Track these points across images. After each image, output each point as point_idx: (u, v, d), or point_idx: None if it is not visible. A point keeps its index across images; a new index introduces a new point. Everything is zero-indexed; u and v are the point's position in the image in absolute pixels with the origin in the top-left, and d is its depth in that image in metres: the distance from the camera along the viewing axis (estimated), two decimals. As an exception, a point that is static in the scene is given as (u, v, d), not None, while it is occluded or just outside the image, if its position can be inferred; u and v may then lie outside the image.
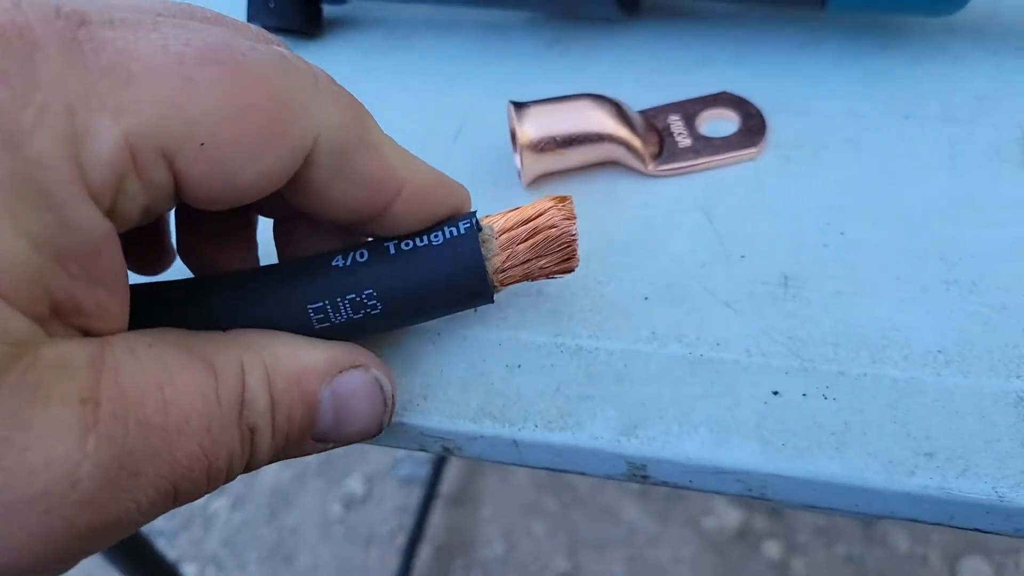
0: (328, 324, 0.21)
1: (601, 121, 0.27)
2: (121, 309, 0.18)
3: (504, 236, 0.22)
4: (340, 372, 0.21)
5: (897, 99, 0.29)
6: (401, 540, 1.03)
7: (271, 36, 0.21)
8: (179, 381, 0.18)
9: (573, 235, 0.22)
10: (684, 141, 0.28)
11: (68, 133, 0.16)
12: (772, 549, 0.98)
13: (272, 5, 0.35)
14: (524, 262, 0.22)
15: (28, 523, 0.16)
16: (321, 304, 0.21)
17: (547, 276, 0.23)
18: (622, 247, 0.26)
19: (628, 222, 0.27)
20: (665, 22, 0.33)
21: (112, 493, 0.17)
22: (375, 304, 0.21)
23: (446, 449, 0.24)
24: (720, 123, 0.29)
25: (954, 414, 0.22)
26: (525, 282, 0.23)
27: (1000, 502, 0.21)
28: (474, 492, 1.05)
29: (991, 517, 0.21)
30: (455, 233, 0.22)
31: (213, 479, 0.19)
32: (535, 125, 0.27)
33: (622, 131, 0.27)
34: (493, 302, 0.23)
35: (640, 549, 0.99)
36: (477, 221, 0.22)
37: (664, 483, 0.23)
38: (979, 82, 0.29)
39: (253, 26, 0.21)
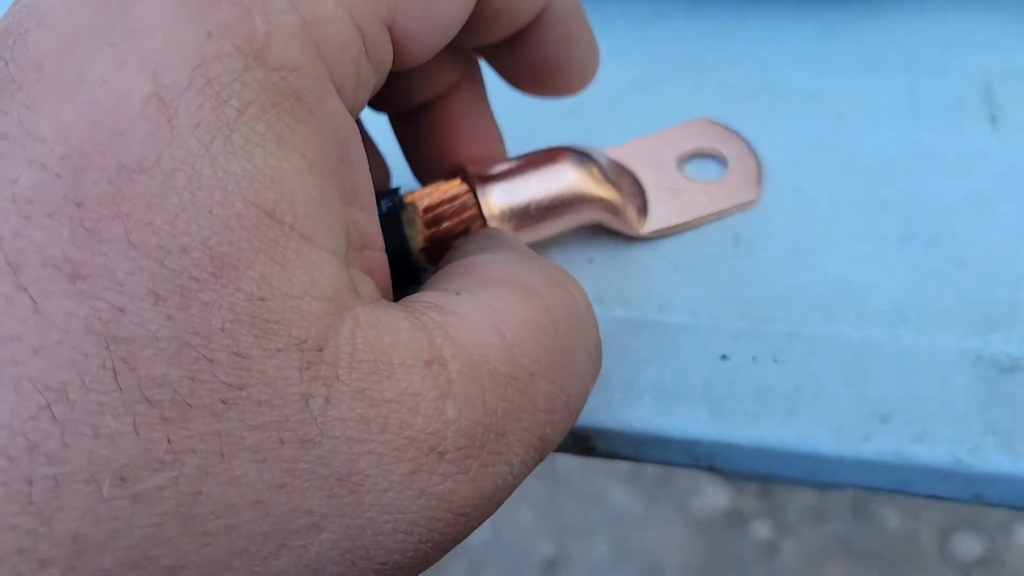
0: None
1: (579, 182, 0.22)
2: (381, 240, 0.17)
3: (430, 215, 0.21)
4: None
5: (857, 51, 0.27)
6: (387, 528, 1.02)
7: None
8: (511, 317, 0.16)
9: None
10: (669, 194, 0.24)
11: (300, 27, 0.14)
12: (761, 530, 0.97)
13: None
14: (451, 239, 0.21)
15: (405, 509, 0.14)
16: None
17: None
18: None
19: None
20: (619, -22, 0.32)
21: (483, 460, 0.15)
22: None
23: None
24: (706, 163, 0.26)
25: (911, 375, 0.21)
26: None
27: (958, 467, 0.19)
28: (460, 478, 1.03)
29: (949, 483, 0.20)
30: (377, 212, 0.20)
31: (573, 413, 0.17)
32: (501, 193, 0.21)
33: (605, 191, 0.23)
34: (420, 282, 0.21)
35: (626, 532, 0.98)
36: (401, 199, 0.21)
37: (609, 454, 0.22)
38: (942, 32, 0.27)
39: None
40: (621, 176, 0.23)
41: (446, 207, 0.21)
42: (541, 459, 0.17)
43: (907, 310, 0.21)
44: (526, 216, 0.22)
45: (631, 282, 0.23)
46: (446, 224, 0.21)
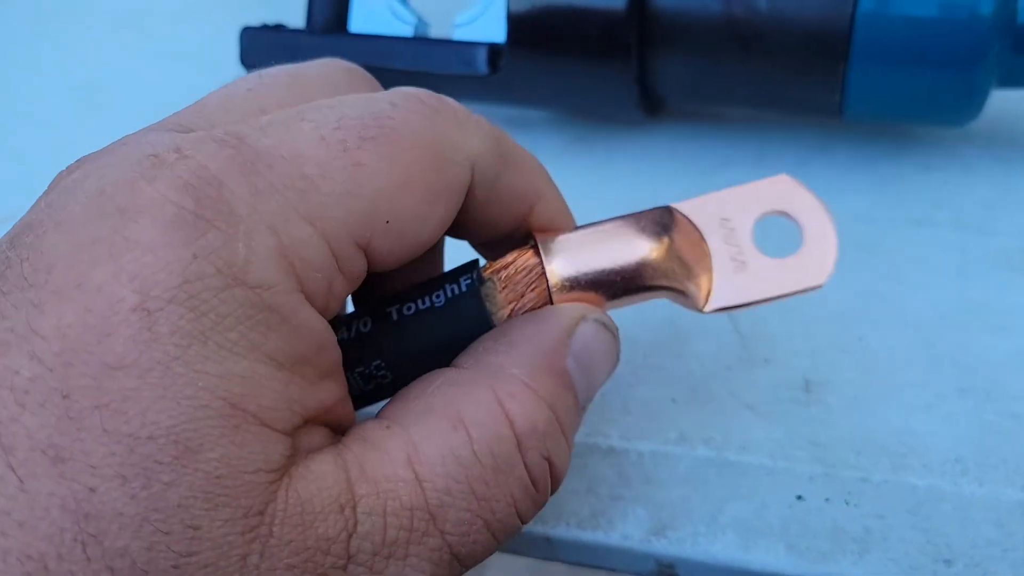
0: None
1: (648, 256, 0.21)
2: (346, 394, 0.19)
3: (509, 288, 0.21)
4: (570, 336, 0.20)
5: (909, 205, 0.30)
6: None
7: (376, 82, 0.22)
8: (428, 451, 0.18)
9: None
10: (736, 269, 0.22)
11: (278, 250, 0.17)
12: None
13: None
14: (531, 310, 0.21)
15: None
16: None
17: None
18: (648, 348, 0.27)
19: (653, 322, 0.28)
20: (686, 124, 0.35)
21: None
22: (385, 374, 0.21)
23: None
24: (780, 229, 0.24)
25: (972, 522, 0.23)
26: None
27: (1019, 610, 0.21)
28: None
29: (1012, 624, 0.22)
30: (456, 291, 0.21)
31: (501, 532, 0.19)
32: (566, 262, 0.21)
33: (675, 268, 0.22)
34: None
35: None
36: (479, 274, 0.21)
37: (691, 583, 0.24)
38: (988, 190, 0.30)
39: (360, 71, 0.22)
40: (691, 249, 0.22)
41: (523, 279, 0.21)
42: (463, 570, 0.19)
43: (967, 461, 0.24)
44: (589, 289, 0.21)
45: (712, 423, 0.25)
46: (528, 296, 0.21)
